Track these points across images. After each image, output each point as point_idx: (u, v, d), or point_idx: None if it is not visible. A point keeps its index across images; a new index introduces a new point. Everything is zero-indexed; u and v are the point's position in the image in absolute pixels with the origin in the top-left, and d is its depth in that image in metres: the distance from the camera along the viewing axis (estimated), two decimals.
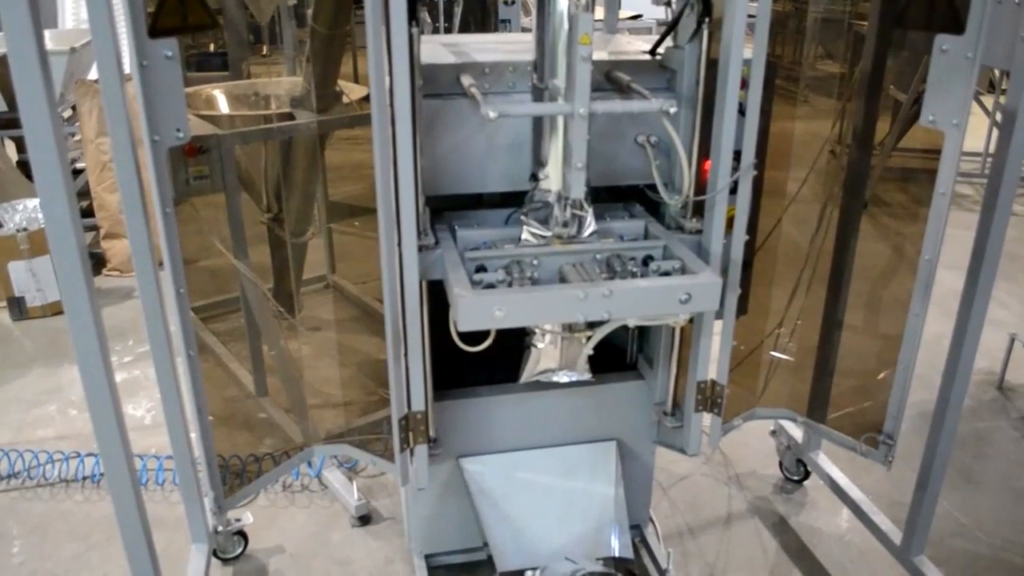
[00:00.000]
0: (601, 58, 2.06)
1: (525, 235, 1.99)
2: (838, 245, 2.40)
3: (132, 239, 1.87)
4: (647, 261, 1.98)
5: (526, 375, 2.18)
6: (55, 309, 4.44)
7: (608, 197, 2.20)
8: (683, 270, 1.92)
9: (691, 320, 2.16)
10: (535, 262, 1.92)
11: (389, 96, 1.75)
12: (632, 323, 1.93)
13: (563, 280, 1.90)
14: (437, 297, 1.98)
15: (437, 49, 2.17)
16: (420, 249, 1.90)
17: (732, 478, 3.17)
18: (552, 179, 1.93)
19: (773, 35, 1.94)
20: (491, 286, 1.83)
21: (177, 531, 2.73)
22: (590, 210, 1.96)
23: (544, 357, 2.13)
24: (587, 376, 2.13)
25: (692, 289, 1.82)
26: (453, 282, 1.80)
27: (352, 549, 2.80)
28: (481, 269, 1.90)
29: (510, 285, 1.85)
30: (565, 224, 1.95)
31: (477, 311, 1.75)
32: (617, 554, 2.39)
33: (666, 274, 1.92)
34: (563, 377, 2.12)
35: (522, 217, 2.00)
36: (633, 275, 1.91)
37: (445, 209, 2.12)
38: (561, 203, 1.94)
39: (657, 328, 2.34)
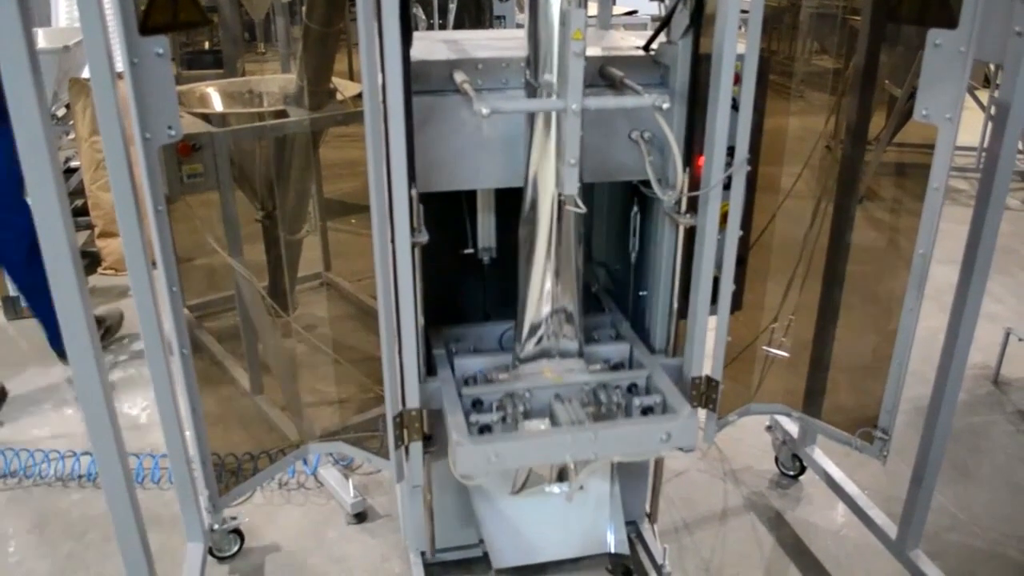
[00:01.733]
0: (594, 54, 2.05)
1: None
2: (833, 240, 2.40)
3: (125, 238, 1.87)
4: (632, 388, 2.15)
5: (517, 487, 2.26)
6: None
7: (592, 306, 2.41)
8: (664, 405, 2.07)
9: (684, 317, 2.17)
10: (527, 395, 2.07)
11: (382, 93, 1.75)
12: (616, 460, 2.11)
13: (553, 416, 2.06)
14: (432, 297, 1.99)
15: (431, 45, 2.17)
16: (413, 247, 1.90)
17: (728, 473, 3.18)
18: (546, 178, 1.93)
19: (766, 30, 1.94)
20: (487, 427, 1.99)
21: (173, 529, 2.72)
22: (580, 335, 2.12)
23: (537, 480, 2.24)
24: (579, 490, 2.24)
25: (672, 429, 1.96)
26: (451, 426, 1.93)
27: (348, 546, 2.80)
28: (477, 402, 2.06)
29: (504, 420, 2.03)
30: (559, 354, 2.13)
31: (474, 458, 1.89)
32: (613, 550, 2.39)
33: (649, 409, 2.07)
34: (555, 489, 2.22)
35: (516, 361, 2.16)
36: (618, 406, 2.08)
37: (440, 323, 2.28)
38: (550, 330, 2.09)
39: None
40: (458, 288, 2.49)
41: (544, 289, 2.04)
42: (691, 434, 1.98)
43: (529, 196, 1.96)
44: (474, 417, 2.00)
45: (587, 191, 1.97)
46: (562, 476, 2.16)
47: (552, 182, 1.89)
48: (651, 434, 1.96)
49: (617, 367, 2.24)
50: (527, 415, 2.05)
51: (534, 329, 2.10)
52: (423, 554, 2.60)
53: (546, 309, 2.06)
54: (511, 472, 2.22)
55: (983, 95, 6.59)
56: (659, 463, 2.60)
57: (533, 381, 2.10)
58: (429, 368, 2.15)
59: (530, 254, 2.01)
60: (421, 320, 2.02)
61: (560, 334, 2.10)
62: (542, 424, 2.07)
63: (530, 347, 2.12)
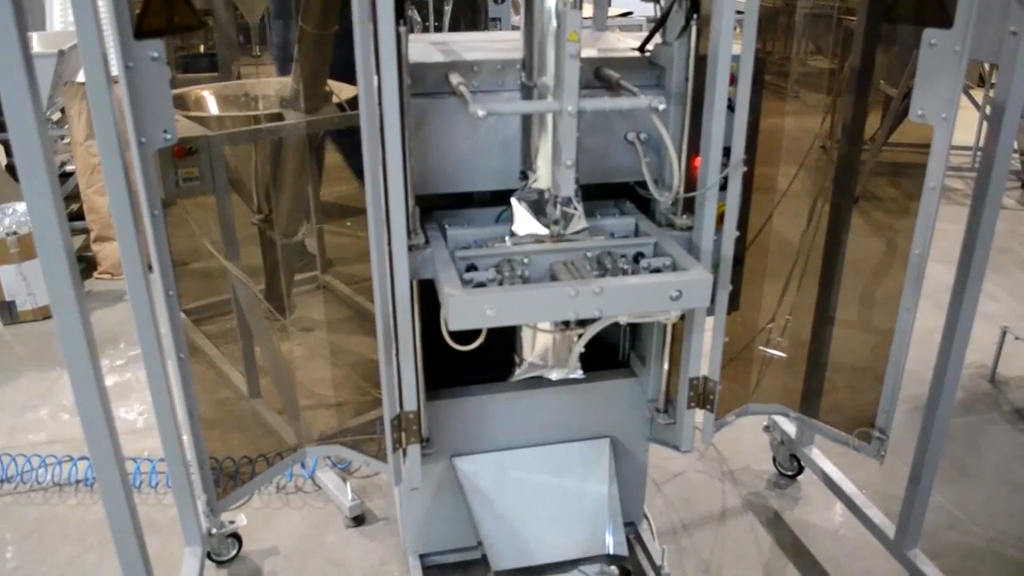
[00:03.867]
0: (590, 55, 2.05)
1: (516, 226, 1.99)
2: (829, 240, 2.41)
3: (121, 242, 1.86)
4: (638, 258, 1.98)
5: (518, 373, 2.18)
6: (46, 313, 4.42)
7: (600, 195, 2.20)
8: (674, 267, 1.93)
9: (682, 317, 2.16)
10: (526, 260, 1.92)
11: (377, 96, 1.74)
12: (624, 320, 1.93)
13: (554, 278, 1.90)
14: (428, 296, 1.98)
15: (426, 48, 2.17)
16: (410, 248, 1.89)
17: (726, 474, 3.18)
18: (541, 177, 1.93)
19: (762, 31, 1.94)
20: (482, 285, 1.83)
21: (171, 534, 2.72)
22: (580, 207, 1.95)
23: (536, 354, 2.12)
24: (578, 373, 2.12)
25: (683, 285, 1.82)
26: (443, 281, 1.80)
27: (346, 550, 2.79)
28: (472, 268, 1.89)
29: (501, 283, 1.85)
30: (556, 222, 1.95)
31: (468, 310, 1.74)
32: (612, 551, 2.39)
33: (657, 271, 1.93)
34: (554, 374, 2.12)
35: (514, 200, 1.99)
36: (624, 272, 1.91)
37: (435, 208, 2.12)
38: (551, 200, 1.93)
39: (649, 325, 2.34)
40: None
41: (544, 157, 1.93)
42: (704, 292, 1.85)
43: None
44: (469, 275, 1.85)
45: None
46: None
47: (548, 182, 1.89)
48: (661, 290, 1.82)
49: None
50: (525, 281, 1.90)
51: (533, 195, 1.98)
52: (422, 557, 2.60)
53: (547, 178, 1.95)
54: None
55: (978, 94, 6.60)
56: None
57: (532, 246, 1.96)
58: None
59: (530, 130, 1.94)
60: (418, 323, 2.02)
61: (560, 202, 1.95)
62: None
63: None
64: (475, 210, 2.16)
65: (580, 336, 1.97)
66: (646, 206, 2.23)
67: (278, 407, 2.71)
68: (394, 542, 2.81)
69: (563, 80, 1.73)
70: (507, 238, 1.99)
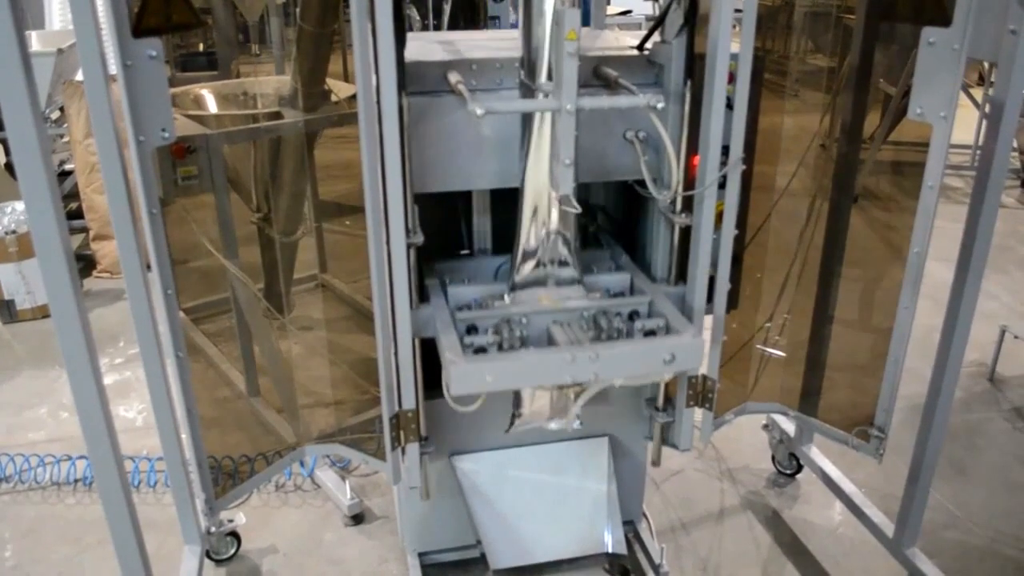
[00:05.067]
0: (589, 54, 2.05)
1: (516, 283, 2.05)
2: (828, 239, 2.41)
3: (120, 240, 1.86)
4: (632, 316, 2.04)
5: (517, 424, 2.19)
6: (45, 312, 4.42)
7: (593, 243, 2.31)
8: (667, 327, 1.97)
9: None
10: (524, 320, 1.96)
11: (376, 94, 1.74)
12: (619, 383, 1.97)
13: (551, 340, 1.95)
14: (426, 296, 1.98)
15: (425, 46, 2.16)
16: (409, 248, 1.90)
17: (725, 473, 3.18)
18: (534, 182, 1.93)
19: (760, 29, 1.94)
20: (482, 349, 1.88)
21: (170, 533, 2.72)
22: (574, 258, 2.03)
23: (534, 410, 2.17)
24: (577, 424, 2.15)
25: (676, 349, 1.87)
26: (445, 346, 1.84)
27: (345, 548, 2.79)
28: (472, 328, 1.95)
29: (500, 346, 1.90)
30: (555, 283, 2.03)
31: (469, 377, 1.79)
32: (610, 550, 2.39)
33: (651, 332, 1.97)
34: (553, 425, 2.15)
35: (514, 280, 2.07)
36: (619, 332, 1.96)
37: (435, 259, 2.19)
38: (547, 256, 2.00)
39: None
40: None
41: (540, 213, 1.96)
42: (696, 355, 1.89)
43: (524, 196, 1.96)
44: (468, 339, 1.90)
45: (582, 186, 1.96)
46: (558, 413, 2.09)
47: (547, 182, 1.89)
48: (655, 354, 1.86)
49: (617, 297, 2.15)
50: (524, 341, 1.95)
51: (530, 254, 2.02)
52: (420, 555, 2.60)
53: (542, 232, 1.98)
54: (508, 407, 2.15)
55: (977, 93, 6.60)
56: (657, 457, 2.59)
57: (530, 306, 2.01)
58: (421, 299, 2.06)
59: (524, 182, 1.96)
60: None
61: (557, 259, 2.01)
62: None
63: (526, 270, 2.04)
64: (475, 261, 2.23)
65: (578, 396, 2.02)
66: (644, 205, 2.23)
67: (277, 406, 2.72)
68: (393, 541, 2.81)
69: (562, 78, 1.72)
70: (505, 295, 2.06)
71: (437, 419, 2.32)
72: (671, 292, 2.14)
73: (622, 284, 2.17)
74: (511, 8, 5.30)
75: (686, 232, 2.10)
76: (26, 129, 1.48)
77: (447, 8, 5.11)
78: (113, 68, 1.72)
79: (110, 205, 1.83)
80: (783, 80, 2.44)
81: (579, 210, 1.89)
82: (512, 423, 2.18)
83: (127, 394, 3.72)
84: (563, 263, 2.02)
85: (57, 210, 1.55)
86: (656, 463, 2.45)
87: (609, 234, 2.44)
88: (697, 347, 1.89)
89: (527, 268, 2.03)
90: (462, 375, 1.78)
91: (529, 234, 2.00)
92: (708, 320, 2.17)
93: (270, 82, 2.98)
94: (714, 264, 2.08)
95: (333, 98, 2.57)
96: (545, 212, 1.95)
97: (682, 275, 2.15)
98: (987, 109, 5.81)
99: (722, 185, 2.01)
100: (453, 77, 1.91)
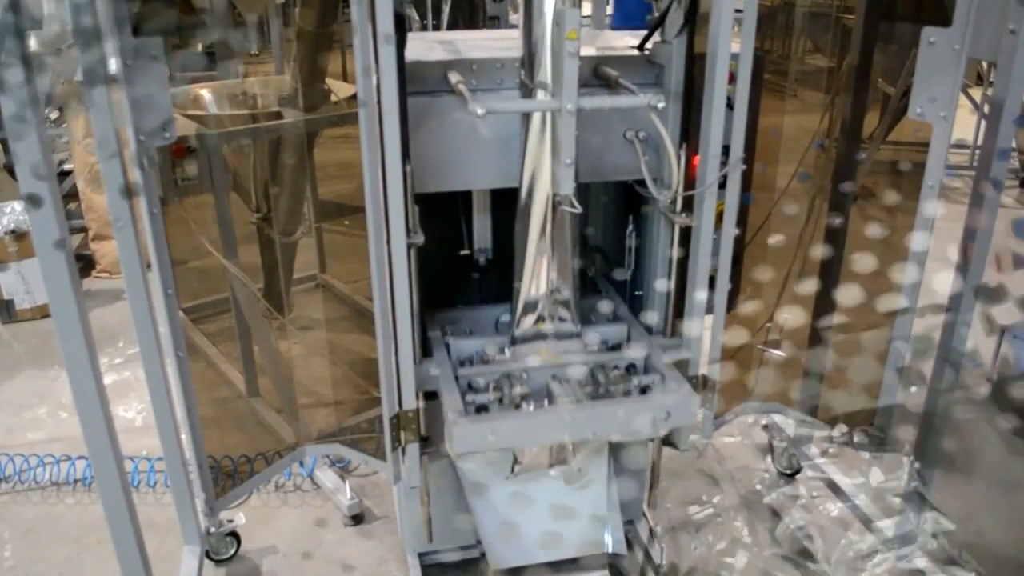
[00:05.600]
0: (589, 54, 2.05)
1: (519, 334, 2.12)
2: (828, 238, 2.41)
3: (119, 240, 1.86)
4: (629, 369, 2.11)
5: (516, 471, 2.24)
6: (44, 312, 4.41)
7: (590, 291, 2.38)
8: (663, 384, 2.04)
9: (682, 302, 2.19)
10: (524, 376, 2.03)
11: (376, 94, 1.74)
12: (615, 439, 2.08)
13: (550, 397, 2.02)
14: (426, 293, 1.98)
15: (425, 46, 2.16)
16: (409, 247, 1.90)
17: (724, 473, 3.18)
18: (538, 182, 1.93)
19: (761, 29, 1.94)
20: (483, 407, 1.96)
21: (169, 533, 2.72)
22: (572, 313, 2.09)
23: (534, 460, 2.22)
24: (577, 473, 2.22)
25: (671, 407, 1.94)
26: (447, 405, 1.91)
27: (345, 549, 2.79)
28: (473, 383, 2.02)
29: (501, 401, 1.98)
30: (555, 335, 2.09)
31: (470, 436, 1.86)
32: (611, 550, 2.39)
33: (647, 388, 2.04)
34: (553, 472, 2.22)
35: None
36: (616, 386, 2.02)
37: (436, 308, 2.25)
38: (547, 311, 2.07)
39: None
40: (454, 289, 2.49)
41: (539, 268, 2.01)
42: (690, 412, 1.96)
43: (525, 196, 1.96)
44: (470, 397, 1.97)
45: (582, 187, 1.97)
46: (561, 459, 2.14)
47: (548, 182, 1.89)
48: (650, 412, 1.93)
49: (615, 348, 2.21)
50: (524, 396, 2.02)
51: (530, 307, 2.07)
52: (420, 555, 2.60)
53: (542, 288, 2.04)
54: (508, 456, 2.20)
55: (976, 93, 6.60)
56: (657, 458, 2.59)
57: (529, 362, 2.07)
58: (424, 351, 2.12)
59: (525, 236, 2.00)
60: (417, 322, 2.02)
61: (556, 315, 2.07)
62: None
63: (526, 325, 2.09)
64: (476, 312, 2.30)
65: (576, 450, 2.07)
66: (643, 204, 2.23)
67: (277, 406, 2.72)
68: (393, 541, 2.80)
69: (562, 78, 1.73)
70: (506, 349, 2.11)
71: (437, 419, 2.32)
72: (666, 344, 2.21)
73: (619, 336, 2.24)
74: (510, 8, 5.30)
75: (684, 260, 2.13)
76: (26, 129, 1.47)
77: (446, 8, 5.11)
78: (114, 68, 1.72)
79: (110, 205, 1.83)
80: (783, 80, 2.44)
81: (579, 210, 1.89)
82: (512, 470, 2.23)
83: (127, 394, 3.71)
84: (562, 319, 2.10)
85: (57, 210, 1.55)
86: (656, 463, 2.45)
87: (606, 279, 2.50)
88: (691, 404, 1.96)
89: (527, 322, 2.11)
90: (464, 434, 1.85)
91: (529, 288, 2.06)
92: (708, 321, 2.17)
93: (270, 82, 2.98)
94: (714, 264, 2.09)
95: (333, 98, 2.57)
96: (546, 267, 2.02)
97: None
98: (986, 109, 5.81)
99: (722, 185, 2.01)
100: (453, 77, 1.91)
